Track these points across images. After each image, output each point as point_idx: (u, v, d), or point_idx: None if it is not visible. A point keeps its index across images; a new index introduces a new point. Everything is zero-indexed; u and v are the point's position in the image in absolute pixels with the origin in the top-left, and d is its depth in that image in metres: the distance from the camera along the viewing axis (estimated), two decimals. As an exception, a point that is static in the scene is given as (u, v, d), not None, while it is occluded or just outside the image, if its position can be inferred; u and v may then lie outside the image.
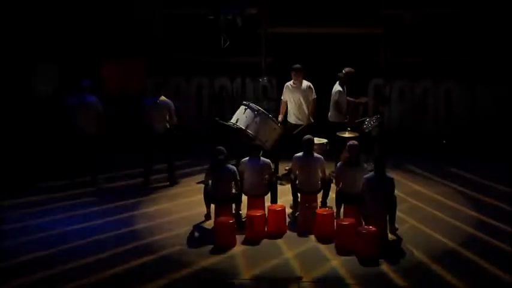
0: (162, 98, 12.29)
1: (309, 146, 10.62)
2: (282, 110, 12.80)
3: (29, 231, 10.30)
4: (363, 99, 13.13)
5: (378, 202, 9.74)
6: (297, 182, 10.66)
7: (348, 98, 12.64)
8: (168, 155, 12.39)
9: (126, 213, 11.11)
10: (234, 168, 10.47)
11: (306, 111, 12.52)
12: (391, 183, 9.90)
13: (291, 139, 12.22)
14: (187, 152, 13.94)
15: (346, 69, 12.49)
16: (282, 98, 12.82)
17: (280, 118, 12.50)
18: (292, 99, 12.61)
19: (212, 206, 10.53)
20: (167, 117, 12.22)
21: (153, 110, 12.19)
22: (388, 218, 9.92)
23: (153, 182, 12.52)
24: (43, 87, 14.85)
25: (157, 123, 12.18)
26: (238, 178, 10.45)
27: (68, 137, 12.29)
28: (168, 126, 12.24)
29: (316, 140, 11.65)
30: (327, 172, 10.84)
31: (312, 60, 14.45)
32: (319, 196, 10.70)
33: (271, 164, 10.78)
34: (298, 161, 10.63)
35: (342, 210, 10.41)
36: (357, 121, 12.53)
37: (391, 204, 9.92)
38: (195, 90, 15.64)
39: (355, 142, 10.47)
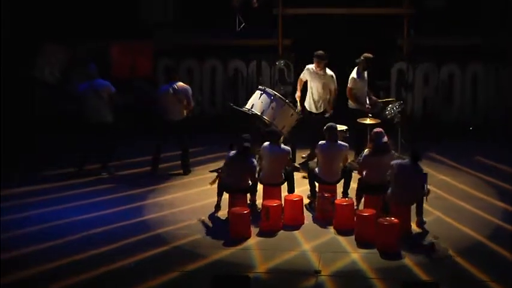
0: (180, 83, 12.32)
1: (332, 133, 10.61)
2: (299, 87, 12.73)
3: (34, 221, 10.37)
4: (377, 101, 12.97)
5: (406, 191, 9.73)
6: (317, 170, 10.68)
7: (371, 94, 12.67)
8: (183, 143, 12.42)
9: (136, 202, 11.17)
10: (256, 161, 10.50)
11: (322, 101, 12.51)
12: (424, 176, 9.87)
13: (309, 128, 12.25)
14: (200, 139, 13.97)
15: (364, 55, 12.46)
16: (301, 76, 12.72)
17: (297, 95, 12.48)
18: (311, 85, 12.57)
19: (225, 196, 10.56)
20: (185, 104, 12.26)
21: (169, 97, 12.21)
22: (416, 210, 9.94)
23: (165, 170, 12.58)
24: (49, 69, 14.94)
25: (173, 110, 12.21)
26: (258, 169, 10.48)
27: (80, 124, 12.38)
28: (185, 114, 12.28)
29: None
30: (349, 160, 10.88)
31: (331, 42, 14.43)
32: (339, 186, 10.73)
33: (290, 153, 10.80)
34: (321, 149, 10.64)
35: (362, 200, 10.43)
36: (375, 105, 12.59)
37: (419, 196, 9.92)
38: (209, 74, 15.64)
39: (379, 129, 10.47)
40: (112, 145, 12.43)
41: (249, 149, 10.34)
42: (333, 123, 10.83)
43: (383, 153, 10.21)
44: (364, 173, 10.36)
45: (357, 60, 12.50)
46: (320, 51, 12.36)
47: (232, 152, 10.48)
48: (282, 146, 10.69)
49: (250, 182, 10.45)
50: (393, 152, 10.44)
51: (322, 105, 12.55)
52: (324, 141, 10.67)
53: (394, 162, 9.93)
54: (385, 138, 10.28)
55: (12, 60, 14.51)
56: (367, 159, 10.35)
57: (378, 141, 10.25)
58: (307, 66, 12.63)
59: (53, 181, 12.14)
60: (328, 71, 12.46)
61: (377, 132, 10.37)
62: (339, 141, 10.69)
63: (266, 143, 10.70)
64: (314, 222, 10.31)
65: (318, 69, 12.40)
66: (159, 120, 12.35)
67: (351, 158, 11.51)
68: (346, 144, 10.77)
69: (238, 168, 10.37)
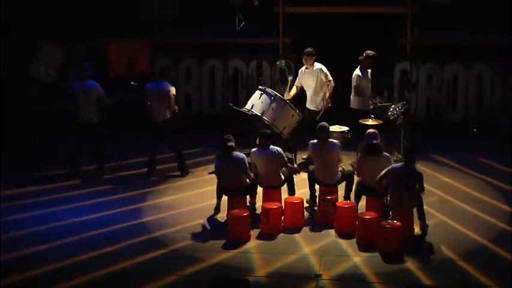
0: (166, 84, 12.29)
1: (323, 134, 10.56)
2: (288, 91, 12.84)
3: (30, 223, 10.38)
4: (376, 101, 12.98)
5: (403, 195, 9.72)
6: (315, 172, 10.65)
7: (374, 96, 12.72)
8: (174, 145, 12.39)
9: (134, 204, 11.17)
10: (242, 155, 10.40)
11: (319, 96, 12.57)
12: (419, 177, 9.86)
13: (309, 127, 12.24)
14: (199, 140, 13.95)
15: (366, 52, 12.51)
16: (296, 83, 12.88)
17: (288, 94, 12.62)
18: (306, 84, 12.72)
19: (225, 198, 10.56)
20: (167, 105, 12.22)
21: (154, 96, 12.22)
22: (417, 213, 9.91)
23: (162, 172, 12.57)
24: (44, 68, 14.93)
25: (158, 109, 12.21)
26: (248, 166, 10.39)
27: (72, 124, 12.39)
28: (168, 115, 12.27)
29: (337, 128, 11.68)
30: (348, 162, 10.85)
31: (333, 41, 14.45)
32: (340, 188, 10.71)
33: (282, 153, 10.67)
34: (313, 148, 10.60)
35: (360, 203, 10.38)
36: (379, 104, 12.59)
37: (418, 198, 9.90)
38: (208, 74, 15.61)
39: (373, 130, 10.47)
40: (101, 146, 12.43)
41: (232, 148, 10.28)
42: (325, 122, 10.78)
43: (375, 154, 10.16)
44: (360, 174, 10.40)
45: (360, 58, 12.53)
46: (308, 49, 12.56)
47: (217, 159, 10.46)
48: (271, 146, 10.53)
49: (248, 180, 10.40)
50: (392, 154, 10.38)
51: (319, 101, 12.59)
52: (315, 141, 10.61)
53: (391, 166, 9.91)
54: (377, 140, 10.24)
55: (12, 60, 14.50)
56: (360, 160, 10.38)
57: (367, 141, 10.25)
58: (300, 69, 12.83)
59: (52, 182, 12.15)
60: (317, 65, 12.60)
61: (369, 133, 10.37)
62: (330, 140, 10.60)
63: (254, 149, 10.63)
64: (314, 225, 10.28)
65: (308, 65, 12.60)
66: (147, 119, 12.37)
67: (352, 159, 11.49)
68: (336, 141, 10.68)
69: (229, 170, 10.33)
